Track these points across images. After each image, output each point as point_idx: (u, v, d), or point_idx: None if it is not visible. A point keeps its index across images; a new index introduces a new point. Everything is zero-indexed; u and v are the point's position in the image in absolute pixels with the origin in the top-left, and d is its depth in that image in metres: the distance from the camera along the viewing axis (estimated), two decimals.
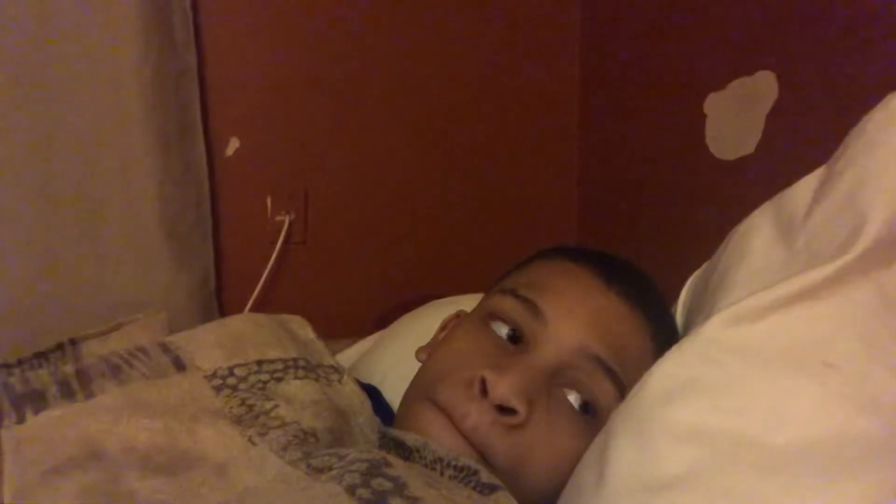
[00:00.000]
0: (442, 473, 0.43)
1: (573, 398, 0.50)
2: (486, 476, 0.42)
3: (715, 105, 0.97)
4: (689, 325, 0.59)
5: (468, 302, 0.64)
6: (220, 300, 1.10)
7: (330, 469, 0.40)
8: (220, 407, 0.49)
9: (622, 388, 0.49)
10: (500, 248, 1.27)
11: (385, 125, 1.20)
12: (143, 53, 0.97)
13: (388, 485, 0.38)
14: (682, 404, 0.43)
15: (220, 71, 1.08)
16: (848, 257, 0.43)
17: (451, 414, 0.48)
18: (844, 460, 0.38)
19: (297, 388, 0.53)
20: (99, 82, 0.97)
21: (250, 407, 0.49)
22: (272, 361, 0.55)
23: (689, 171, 1.02)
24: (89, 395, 0.48)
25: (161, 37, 0.99)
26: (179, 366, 0.53)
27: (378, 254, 1.22)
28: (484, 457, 0.47)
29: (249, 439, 0.46)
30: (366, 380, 0.68)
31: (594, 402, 0.50)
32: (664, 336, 0.54)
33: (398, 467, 0.40)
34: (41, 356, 0.60)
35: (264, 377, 0.53)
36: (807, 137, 0.82)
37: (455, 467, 0.43)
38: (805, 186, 0.52)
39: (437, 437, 0.47)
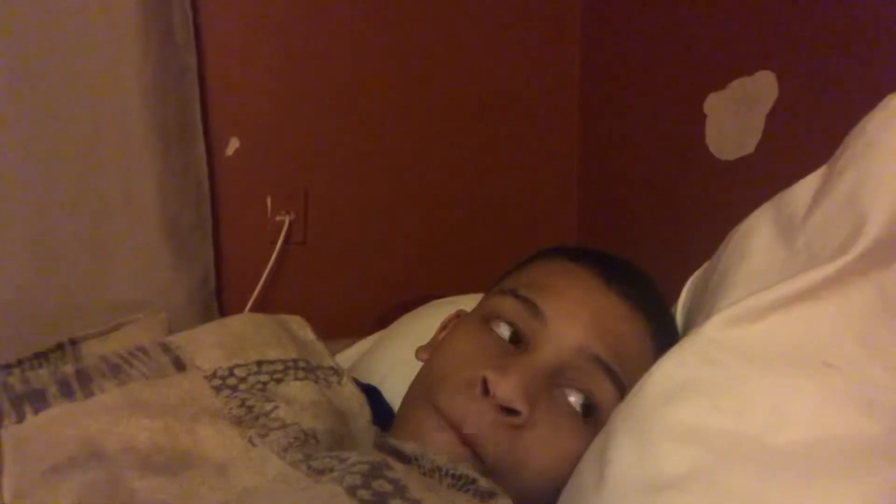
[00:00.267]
0: (440, 482, 0.43)
1: (573, 398, 0.50)
2: (484, 484, 0.42)
3: (715, 105, 0.97)
4: (689, 325, 0.59)
5: (468, 302, 0.64)
6: (220, 300, 1.10)
7: (331, 471, 0.40)
8: (220, 407, 0.49)
9: (622, 388, 0.49)
10: (500, 248, 1.27)
11: (385, 125, 1.20)
12: (143, 53, 0.97)
13: (388, 487, 0.38)
14: (682, 404, 0.43)
15: (220, 71, 1.08)
16: (848, 257, 0.43)
17: (452, 418, 0.48)
18: (844, 461, 0.38)
19: (297, 390, 0.53)
20: (99, 82, 0.97)
21: (250, 408, 0.49)
22: (272, 362, 0.55)
23: (689, 171, 1.02)
24: (89, 394, 0.48)
25: (161, 37, 0.99)
26: (179, 366, 0.53)
27: (378, 254, 1.22)
28: (482, 457, 0.47)
29: (249, 440, 0.46)
30: (366, 380, 0.68)
31: (594, 403, 0.50)
32: (664, 336, 0.54)
33: (398, 471, 0.40)
34: (41, 356, 0.60)
35: (264, 378, 0.53)
36: (807, 137, 0.82)
37: (453, 476, 0.43)
38: (805, 186, 0.52)
39: (436, 443, 0.47)
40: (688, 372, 0.45)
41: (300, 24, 1.13)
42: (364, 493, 0.37)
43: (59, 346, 0.61)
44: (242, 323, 0.61)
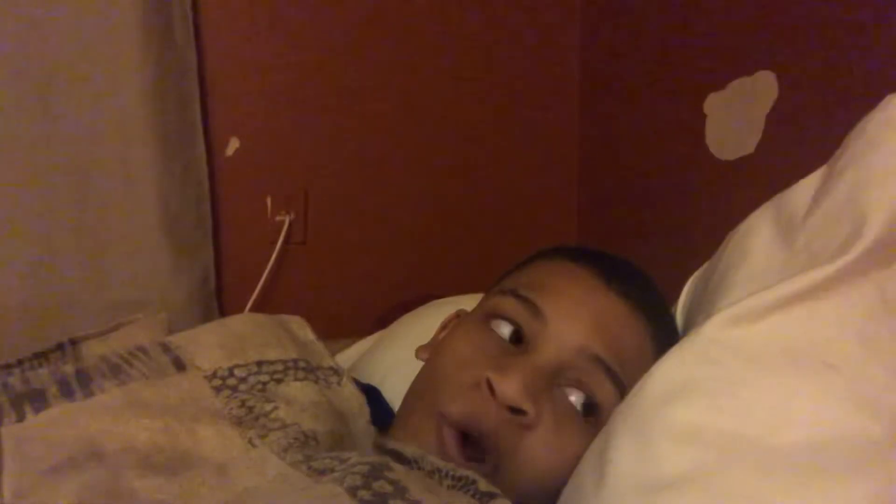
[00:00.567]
0: (441, 483, 0.43)
1: (574, 398, 0.50)
2: (484, 486, 0.42)
3: (715, 105, 0.97)
4: (689, 325, 0.59)
5: (468, 302, 0.64)
6: (220, 300, 1.10)
7: (332, 471, 0.40)
8: (220, 408, 0.49)
9: (622, 388, 0.49)
10: (500, 248, 1.27)
11: (385, 125, 1.20)
12: (143, 53, 0.97)
13: (388, 488, 0.38)
14: (682, 404, 0.43)
15: (220, 71, 1.08)
16: (848, 257, 0.43)
17: (456, 418, 0.47)
18: (844, 461, 0.38)
19: (297, 390, 0.53)
20: (99, 82, 0.97)
21: (250, 409, 0.49)
22: (272, 363, 0.55)
23: (689, 171, 1.02)
24: (89, 394, 0.48)
25: (161, 37, 0.99)
26: (179, 366, 0.53)
27: (378, 254, 1.22)
28: (488, 456, 0.47)
29: (250, 441, 0.46)
30: (366, 380, 0.68)
31: (595, 403, 0.50)
32: (664, 336, 0.54)
33: (399, 471, 0.40)
34: (41, 356, 0.60)
35: (264, 378, 0.53)
36: (807, 137, 0.82)
37: (453, 477, 0.43)
38: (805, 186, 0.52)
39: (436, 444, 0.47)
40: (688, 372, 0.45)
41: (300, 25, 1.13)
42: (364, 494, 0.37)
43: (59, 346, 0.61)
44: (242, 323, 0.61)
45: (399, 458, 0.45)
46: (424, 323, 0.76)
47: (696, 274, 0.63)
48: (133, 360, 0.53)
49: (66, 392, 0.48)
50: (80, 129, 0.97)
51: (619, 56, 1.21)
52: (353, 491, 0.37)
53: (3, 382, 0.49)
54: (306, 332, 0.63)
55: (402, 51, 1.20)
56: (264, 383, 0.53)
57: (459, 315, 0.62)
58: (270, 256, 1.12)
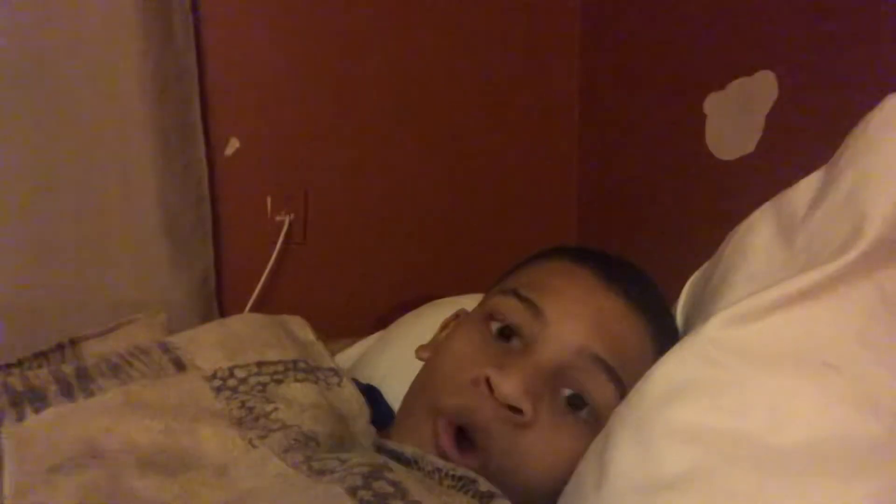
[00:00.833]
0: (440, 483, 0.43)
1: (574, 398, 0.50)
2: (484, 485, 0.42)
3: (715, 105, 0.97)
4: (689, 325, 0.59)
5: (468, 302, 0.64)
6: (220, 300, 1.10)
7: (332, 472, 0.40)
8: (220, 408, 0.49)
9: (622, 389, 0.49)
10: (500, 248, 1.26)
11: (385, 125, 1.20)
12: (143, 54, 0.97)
13: (389, 488, 0.38)
14: (682, 404, 0.43)
15: (220, 71, 1.08)
16: (848, 257, 0.43)
17: (454, 415, 0.48)
18: (844, 461, 0.38)
19: (297, 391, 0.53)
20: (99, 82, 0.97)
21: (250, 409, 0.49)
22: (272, 363, 0.55)
23: (689, 171, 1.02)
24: (89, 394, 0.48)
25: (161, 37, 0.99)
26: (179, 366, 0.53)
27: (378, 254, 1.22)
28: (486, 454, 0.47)
29: (250, 442, 0.46)
30: (366, 380, 0.68)
31: (595, 403, 0.50)
32: (664, 336, 0.54)
33: (399, 472, 0.40)
34: (41, 356, 0.60)
35: (264, 379, 0.53)
36: (807, 137, 0.82)
37: (453, 476, 0.43)
38: (805, 186, 0.52)
39: (436, 444, 0.47)
40: (688, 372, 0.45)
41: (300, 25, 1.13)
42: (365, 494, 0.37)
43: (59, 346, 0.61)
44: (243, 323, 0.61)
45: (398, 458, 0.45)
46: (424, 323, 0.76)
47: (696, 274, 0.63)
48: (133, 361, 0.53)
49: (67, 392, 0.48)
50: (79, 130, 0.97)
51: (618, 56, 1.21)
52: (353, 491, 0.37)
53: (3, 382, 0.49)
54: (306, 333, 0.63)
55: (402, 51, 1.20)
56: (264, 384, 0.53)
57: (460, 315, 0.62)
58: (270, 256, 1.12)
